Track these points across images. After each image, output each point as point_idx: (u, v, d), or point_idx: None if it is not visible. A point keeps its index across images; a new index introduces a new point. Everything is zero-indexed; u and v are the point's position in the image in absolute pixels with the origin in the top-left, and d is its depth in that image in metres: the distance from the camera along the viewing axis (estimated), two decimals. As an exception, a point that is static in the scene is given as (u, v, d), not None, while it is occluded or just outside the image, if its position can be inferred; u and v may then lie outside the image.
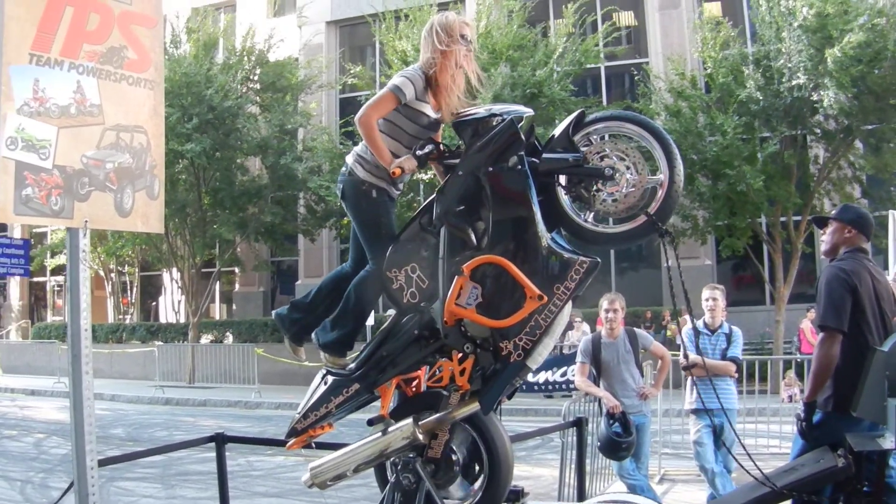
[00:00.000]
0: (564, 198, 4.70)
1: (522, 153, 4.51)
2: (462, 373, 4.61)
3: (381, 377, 4.91)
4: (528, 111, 4.82)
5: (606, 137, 4.69)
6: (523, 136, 4.56)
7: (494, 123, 4.61)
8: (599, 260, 4.46)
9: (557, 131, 4.72)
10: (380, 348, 4.90)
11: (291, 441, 5.24)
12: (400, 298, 4.80)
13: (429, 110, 4.92)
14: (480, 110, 4.77)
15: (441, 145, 4.84)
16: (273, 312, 5.56)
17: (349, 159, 5.03)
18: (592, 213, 4.67)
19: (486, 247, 4.56)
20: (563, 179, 4.70)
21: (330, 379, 5.06)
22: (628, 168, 4.53)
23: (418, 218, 4.82)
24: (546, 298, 4.39)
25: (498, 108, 4.74)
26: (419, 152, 4.70)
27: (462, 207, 4.63)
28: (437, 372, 4.78)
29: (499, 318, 4.47)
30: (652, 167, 4.62)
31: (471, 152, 4.63)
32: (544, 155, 4.62)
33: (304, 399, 5.21)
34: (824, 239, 5.75)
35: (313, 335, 5.22)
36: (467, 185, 4.61)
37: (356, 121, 4.78)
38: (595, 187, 4.58)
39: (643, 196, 4.54)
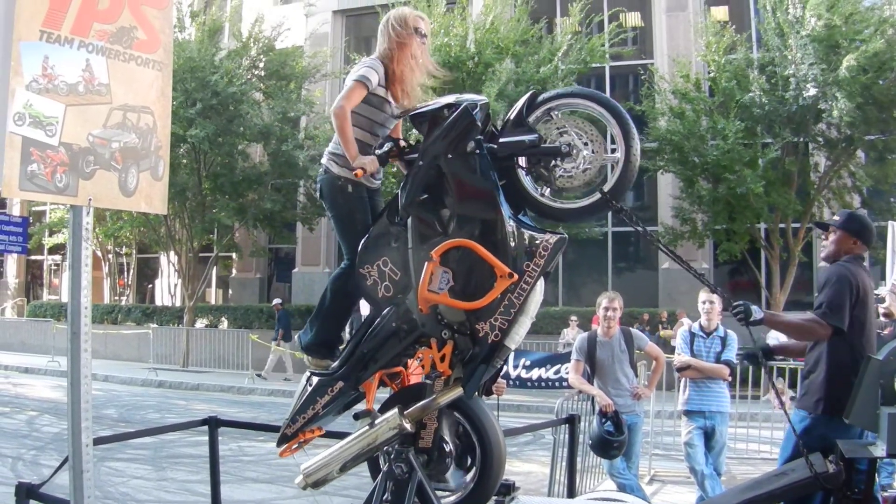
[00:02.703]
0: (525, 178, 4.75)
1: (480, 138, 4.56)
2: (442, 359, 4.65)
3: (364, 374, 4.94)
4: (483, 98, 4.84)
5: (566, 113, 4.73)
6: (479, 123, 4.60)
7: (449, 113, 4.66)
8: (566, 236, 4.53)
9: (511, 114, 4.77)
10: (360, 345, 4.93)
11: (283, 447, 5.23)
12: (375, 294, 4.85)
13: (391, 99, 5.05)
14: (435, 102, 4.83)
15: (400, 141, 4.90)
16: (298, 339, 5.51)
17: (324, 159, 5.14)
18: (550, 189, 4.72)
19: (453, 232, 4.61)
20: (522, 161, 4.74)
21: (315, 380, 5.08)
22: (586, 144, 4.57)
23: (385, 213, 4.89)
24: (517, 276, 4.43)
25: (452, 98, 4.79)
26: (379, 151, 4.76)
27: (425, 196, 4.70)
28: (419, 361, 4.82)
29: (472, 301, 4.51)
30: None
31: (429, 143, 4.69)
32: (501, 140, 4.66)
33: (291, 404, 5.22)
34: (826, 244, 5.74)
35: (296, 338, 5.27)
36: (429, 175, 4.67)
37: (332, 112, 4.87)
38: (553, 164, 4.63)
39: (600, 173, 4.59)
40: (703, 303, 8.96)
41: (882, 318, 11.36)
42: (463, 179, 4.60)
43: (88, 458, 4.65)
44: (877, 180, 21.21)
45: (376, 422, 4.84)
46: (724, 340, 8.86)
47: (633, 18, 28.21)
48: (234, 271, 34.84)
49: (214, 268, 32.00)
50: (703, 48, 22.12)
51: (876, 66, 18.99)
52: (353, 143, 4.79)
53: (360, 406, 5.09)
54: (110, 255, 35.42)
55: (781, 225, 22.03)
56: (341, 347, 5.20)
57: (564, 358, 14.20)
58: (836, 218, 5.83)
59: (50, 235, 35.66)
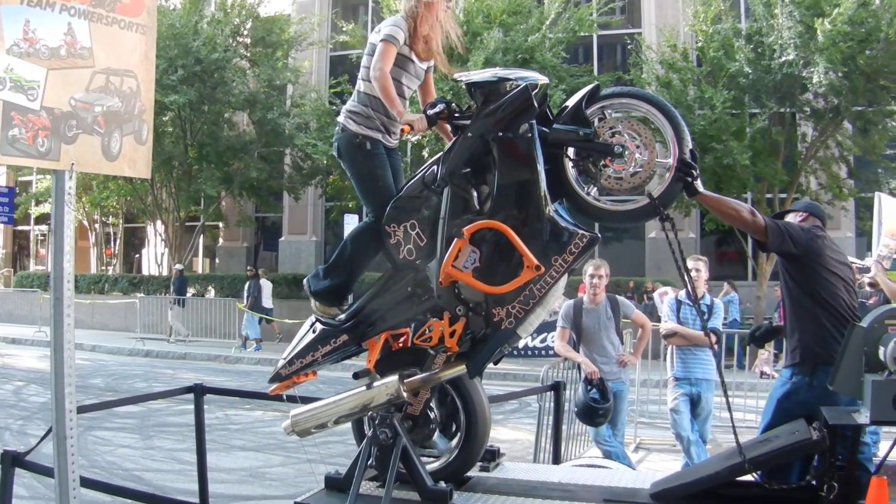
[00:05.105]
0: (571, 170, 4.68)
1: (534, 121, 4.49)
2: (452, 335, 4.63)
3: (370, 331, 4.93)
4: (544, 79, 4.76)
5: (621, 114, 4.67)
6: (536, 104, 4.52)
7: (508, 88, 4.59)
8: (599, 236, 4.47)
9: (570, 102, 4.69)
10: (371, 302, 4.91)
11: (274, 385, 5.26)
12: (396, 254, 4.80)
13: (414, 58, 5.04)
14: (493, 73, 4.74)
15: (451, 105, 4.79)
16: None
17: (340, 118, 5.10)
18: (596, 188, 4.67)
19: (489, 212, 4.56)
20: (571, 152, 4.67)
21: (319, 327, 5.06)
22: (638, 147, 4.50)
23: (422, 175, 4.81)
24: (543, 269, 4.40)
25: (512, 72, 4.71)
26: (430, 111, 4.68)
27: (468, 170, 4.63)
28: (427, 331, 4.77)
29: (495, 285, 4.48)
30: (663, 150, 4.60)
31: (482, 115, 4.60)
32: (555, 126, 4.60)
33: (290, 345, 5.22)
34: None
35: (305, 281, 5.26)
36: (475, 148, 4.60)
37: (372, 78, 4.83)
38: (602, 163, 4.56)
39: (649, 177, 4.52)
40: (690, 270, 8.98)
41: (868, 288, 11.42)
42: (509, 160, 4.54)
43: (72, 425, 4.65)
44: (864, 151, 21.26)
45: (374, 384, 4.84)
46: (710, 308, 8.90)
47: (621, -13, 28.09)
48: (220, 240, 34.77)
49: (201, 237, 31.94)
50: (691, 17, 22.06)
51: (861, 35, 18.97)
52: (397, 101, 4.80)
53: (360, 361, 5.10)
54: (97, 225, 35.29)
55: (768, 195, 22.06)
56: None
57: (550, 326, 14.21)
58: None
59: (36, 205, 35.47)
